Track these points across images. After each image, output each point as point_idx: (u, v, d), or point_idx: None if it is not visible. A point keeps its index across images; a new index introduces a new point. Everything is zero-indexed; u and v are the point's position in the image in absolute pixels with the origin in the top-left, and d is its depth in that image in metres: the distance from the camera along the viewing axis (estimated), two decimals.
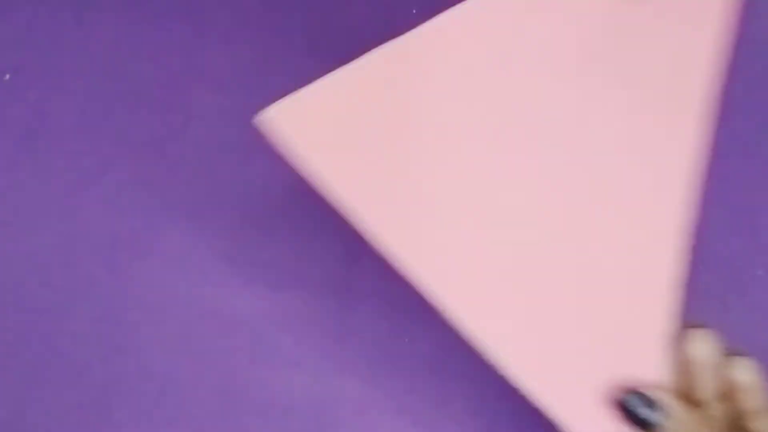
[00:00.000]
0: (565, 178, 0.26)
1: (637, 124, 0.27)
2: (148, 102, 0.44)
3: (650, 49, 0.27)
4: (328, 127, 0.29)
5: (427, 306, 0.41)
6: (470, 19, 0.28)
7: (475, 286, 0.27)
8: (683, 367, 0.29)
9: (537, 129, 0.26)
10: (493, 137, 0.27)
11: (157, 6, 0.47)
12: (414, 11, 0.44)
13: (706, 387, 0.29)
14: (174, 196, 0.41)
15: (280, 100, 0.31)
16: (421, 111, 0.28)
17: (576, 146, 0.27)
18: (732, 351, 0.30)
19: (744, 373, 0.30)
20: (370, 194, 0.28)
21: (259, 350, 0.41)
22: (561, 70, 0.27)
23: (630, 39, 0.27)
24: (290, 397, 0.40)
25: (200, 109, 0.43)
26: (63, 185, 0.44)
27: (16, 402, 0.41)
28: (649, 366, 0.27)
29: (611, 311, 0.26)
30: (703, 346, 0.29)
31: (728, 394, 0.30)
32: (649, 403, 0.27)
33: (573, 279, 0.26)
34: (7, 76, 0.46)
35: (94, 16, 0.47)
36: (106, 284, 0.42)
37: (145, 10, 0.47)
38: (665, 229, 0.27)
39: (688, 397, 0.29)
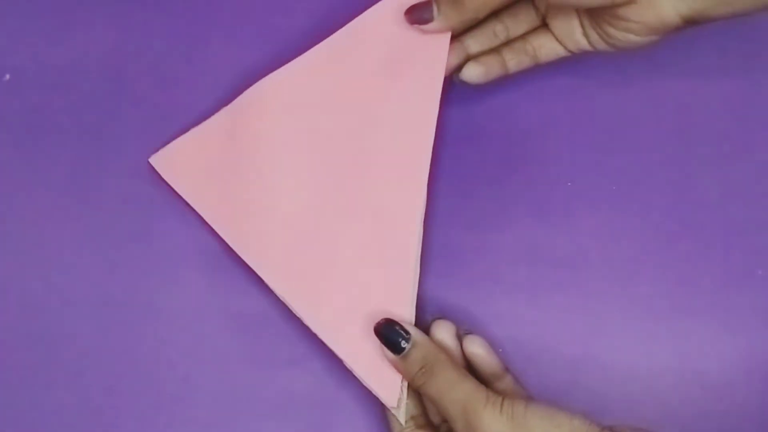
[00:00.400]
0: (339, 180, 0.40)
1: (379, 144, 0.40)
2: (149, 102, 0.44)
3: (387, 94, 0.40)
4: (200, 165, 0.42)
5: (424, 314, 0.41)
6: (291, 79, 0.41)
7: (289, 257, 0.40)
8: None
9: (326, 152, 0.41)
10: (302, 162, 0.41)
11: (158, 6, 0.47)
12: None
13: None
14: (175, 193, 0.41)
15: (168, 145, 0.42)
16: (261, 147, 0.41)
17: (346, 158, 0.40)
18: (466, 331, 0.38)
19: (475, 346, 0.37)
20: (227, 211, 0.41)
21: (259, 350, 0.41)
22: (340, 113, 0.41)
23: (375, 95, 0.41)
24: (290, 397, 0.40)
25: (203, 112, 0.43)
26: (64, 185, 0.44)
27: (15, 402, 0.41)
28: (401, 308, 0.38)
29: (372, 267, 0.39)
30: (444, 334, 0.37)
31: (470, 364, 0.38)
32: (399, 331, 0.36)
33: (348, 246, 0.39)
34: (7, 76, 0.46)
35: (95, 16, 0.47)
36: (106, 284, 0.42)
37: (146, 10, 0.47)
38: (406, 213, 0.39)
39: None
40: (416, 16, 0.38)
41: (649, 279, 0.41)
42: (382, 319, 0.36)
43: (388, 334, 0.36)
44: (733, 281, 0.41)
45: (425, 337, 0.37)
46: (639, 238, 0.42)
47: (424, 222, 0.39)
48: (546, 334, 0.40)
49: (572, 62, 0.42)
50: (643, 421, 0.38)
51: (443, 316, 0.39)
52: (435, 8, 0.37)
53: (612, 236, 0.42)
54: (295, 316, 0.39)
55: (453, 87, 0.41)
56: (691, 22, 0.36)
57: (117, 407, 0.41)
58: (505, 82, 0.41)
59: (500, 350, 0.40)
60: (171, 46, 0.45)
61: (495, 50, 0.40)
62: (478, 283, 0.41)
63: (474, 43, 0.40)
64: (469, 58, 0.40)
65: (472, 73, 0.39)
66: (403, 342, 0.36)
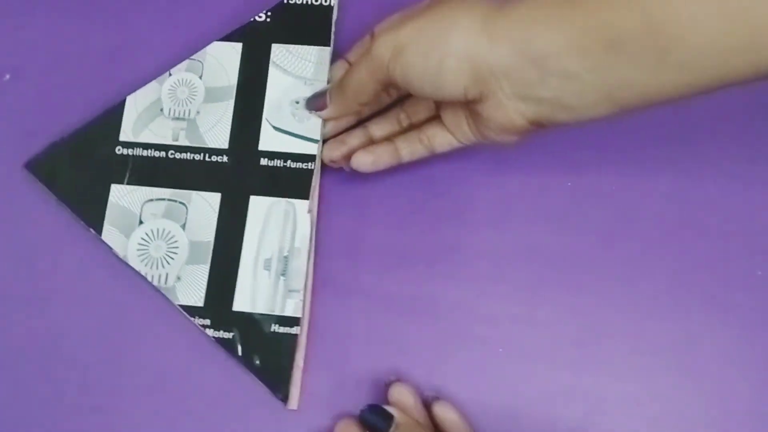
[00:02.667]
0: None
1: None
2: None
3: None
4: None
5: (425, 313, 0.41)
6: None
7: None
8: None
9: None
10: None
11: (158, 6, 0.47)
12: None
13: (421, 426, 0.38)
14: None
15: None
16: None
17: None
18: (434, 396, 0.39)
19: (447, 411, 0.38)
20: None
21: None
22: None
23: None
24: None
25: None
26: None
27: (14, 401, 0.41)
28: None
29: None
30: (406, 397, 0.39)
31: (441, 429, 0.38)
32: (383, 416, 0.37)
33: None
34: (7, 76, 0.46)
35: (95, 16, 0.47)
36: (106, 284, 0.42)
37: (146, 11, 0.47)
38: None
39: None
40: (313, 104, 0.43)
41: (649, 279, 0.41)
42: (365, 405, 0.37)
43: (374, 420, 0.37)
44: (733, 281, 0.41)
45: (403, 414, 0.37)
46: (639, 238, 0.42)
47: (423, 222, 0.38)
48: (545, 334, 0.40)
49: None
50: (644, 419, 0.39)
51: (399, 378, 0.40)
52: (328, 97, 0.42)
53: (612, 236, 0.42)
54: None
55: None
56: (538, 125, 0.35)
57: (116, 407, 0.41)
58: None
59: (500, 350, 0.40)
60: (173, 44, 0.45)
61: (389, 139, 0.42)
62: (478, 283, 0.41)
63: (378, 128, 0.43)
64: (372, 142, 0.43)
65: (360, 161, 0.41)
66: (389, 428, 0.37)
